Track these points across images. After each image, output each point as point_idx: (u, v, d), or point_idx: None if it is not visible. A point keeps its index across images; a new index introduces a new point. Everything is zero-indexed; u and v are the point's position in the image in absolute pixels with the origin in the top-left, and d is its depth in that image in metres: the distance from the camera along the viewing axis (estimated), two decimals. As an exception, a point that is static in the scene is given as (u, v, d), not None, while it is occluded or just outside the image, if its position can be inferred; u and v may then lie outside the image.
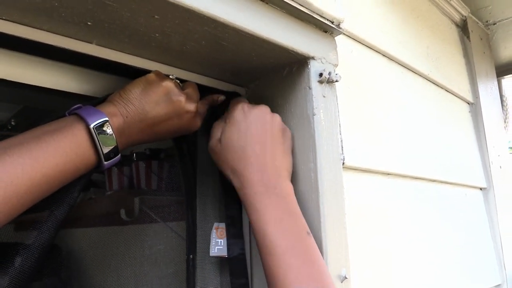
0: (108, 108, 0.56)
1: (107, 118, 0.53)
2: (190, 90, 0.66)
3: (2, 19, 0.53)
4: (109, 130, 0.54)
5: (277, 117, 0.67)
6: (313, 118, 0.67)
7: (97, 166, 0.54)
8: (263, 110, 0.66)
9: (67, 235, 1.34)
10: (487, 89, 1.35)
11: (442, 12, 1.26)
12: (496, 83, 1.46)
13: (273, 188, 0.60)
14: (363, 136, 0.81)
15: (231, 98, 0.81)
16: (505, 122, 1.57)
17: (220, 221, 0.80)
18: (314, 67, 0.69)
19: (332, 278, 0.62)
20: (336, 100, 0.71)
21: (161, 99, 0.60)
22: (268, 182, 0.60)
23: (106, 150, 0.53)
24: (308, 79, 0.68)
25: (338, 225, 0.66)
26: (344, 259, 0.65)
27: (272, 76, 0.76)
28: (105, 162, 0.54)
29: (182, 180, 0.93)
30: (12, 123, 1.62)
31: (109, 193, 1.98)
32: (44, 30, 0.57)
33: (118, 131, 0.55)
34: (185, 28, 0.57)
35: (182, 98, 0.62)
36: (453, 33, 1.30)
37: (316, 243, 0.63)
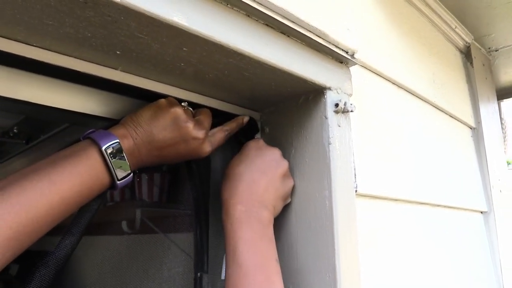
0: (119, 130, 0.59)
1: (118, 140, 0.56)
2: (201, 117, 0.68)
3: (34, 45, 0.55)
4: (120, 152, 0.56)
5: (285, 163, 0.71)
6: (328, 147, 0.69)
7: (111, 187, 0.57)
8: (275, 151, 0.72)
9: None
10: (489, 114, 1.38)
11: (447, 39, 1.30)
12: (497, 107, 1.49)
13: (255, 213, 0.64)
14: (374, 164, 0.83)
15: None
16: (504, 143, 1.60)
17: None
18: (330, 97, 0.71)
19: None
20: (350, 129, 0.73)
21: (168, 124, 0.62)
22: (252, 206, 0.64)
23: (119, 171, 0.56)
24: (325, 108, 0.71)
25: (351, 252, 0.67)
26: (356, 283, 0.67)
27: (287, 104, 0.78)
28: (118, 182, 0.56)
29: (192, 197, 0.94)
30: (15, 130, 1.64)
31: (110, 203, 1.99)
32: (72, 56, 0.59)
33: (128, 151, 0.58)
34: (211, 59, 0.59)
35: (189, 125, 0.63)
36: (457, 59, 1.34)
37: (330, 270, 0.65)
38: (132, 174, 0.59)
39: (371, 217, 0.80)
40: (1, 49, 0.52)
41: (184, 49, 0.56)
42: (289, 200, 0.73)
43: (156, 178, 1.82)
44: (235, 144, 0.85)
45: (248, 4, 0.57)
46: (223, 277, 0.78)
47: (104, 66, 0.62)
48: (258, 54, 0.59)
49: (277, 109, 0.81)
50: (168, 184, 1.60)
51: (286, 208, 0.73)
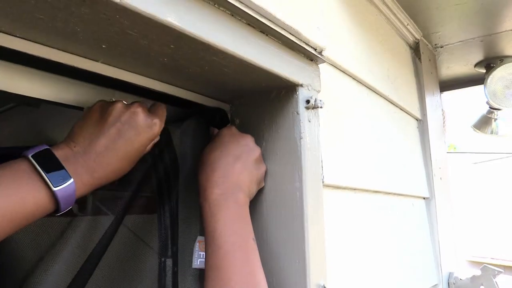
0: (57, 144, 0.56)
1: (47, 147, 0.53)
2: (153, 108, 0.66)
3: (18, 36, 0.54)
4: (51, 158, 0.52)
5: (258, 148, 0.75)
6: (300, 142, 0.73)
7: (55, 200, 0.51)
8: (248, 137, 0.75)
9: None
10: (433, 107, 1.49)
11: (399, 35, 1.38)
12: (440, 100, 1.61)
13: (232, 195, 0.67)
14: (337, 156, 0.88)
15: (215, 114, 0.86)
16: (444, 133, 1.73)
17: (201, 234, 0.84)
18: (302, 94, 0.75)
19: (312, 287, 0.69)
20: (319, 125, 0.78)
21: (97, 119, 0.59)
22: (227, 188, 0.67)
23: (55, 178, 0.51)
24: (297, 105, 0.74)
25: (319, 239, 0.73)
26: (323, 270, 0.72)
27: (258, 97, 0.81)
28: (56, 189, 0.50)
29: (155, 183, 0.96)
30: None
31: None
32: (54, 48, 0.58)
33: (63, 158, 0.53)
34: (195, 56, 0.61)
35: (115, 110, 0.60)
36: (407, 55, 1.43)
37: (300, 257, 0.70)
38: (73, 182, 0.52)
39: (333, 206, 0.86)
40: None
41: (171, 46, 0.57)
42: (262, 185, 0.76)
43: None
44: (206, 132, 0.87)
45: (233, 4, 0.59)
46: (194, 265, 0.80)
47: (85, 58, 0.62)
48: (241, 53, 0.61)
49: (247, 102, 0.83)
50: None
51: (257, 198, 0.77)
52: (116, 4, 0.45)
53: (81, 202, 1.36)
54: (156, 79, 0.73)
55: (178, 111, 0.84)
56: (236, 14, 0.61)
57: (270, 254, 0.74)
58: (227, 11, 0.60)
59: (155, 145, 0.79)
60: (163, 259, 0.94)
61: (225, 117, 0.85)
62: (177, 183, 0.92)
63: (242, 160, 0.71)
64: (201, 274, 0.84)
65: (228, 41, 0.59)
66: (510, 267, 6.97)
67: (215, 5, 0.58)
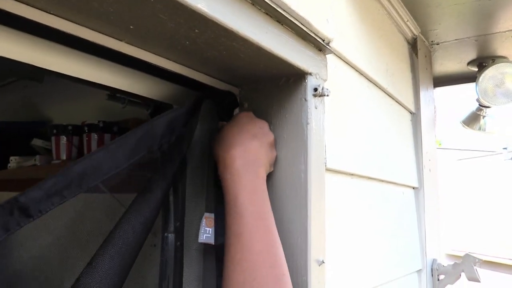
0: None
1: None
2: None
3: (52, 13, 0.57)
4: None
5: (272, 134, 0.79)
6: (306, 127, 0.78)
7: None
8: (264, 122, 0.80)
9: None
10: (426, 101, 1.55)
11: (399, 31, 1.42)
12: (433, 95, 1.67)
13: (252, 166, 0.72)
14: (337, 142, 0.93)
15: (225, 97, 0.90)
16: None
17: (208, 211, 0.89)
18: (310, 82, 0.80)
19: (312, 262, 0.74)
20: (324, 112, 0.83)
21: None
22: (249, 160, 0.72)
23: None
24: (305, 92, 0.79)
25: (319, 219, 0.78)
26: (322, 246, 0.78)
27: (267, 83, 0.85)
28: None
29: (159, 161, 1.00)
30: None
31: (55, 161, 1.96)
32: (82, 25, 0.61)
33: None
34: (216, 41, 0.65)
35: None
36: (405, 50, 1.48)
37: (302, 234, 0.75)
38: None
39: (332, 189, 0.91)
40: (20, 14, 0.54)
41: (196, 30, 0.61)
42: (272, 169, 0.80)
43: (106, 138, 1.82)
44: (214, 117, 0.91)
45: (254, -7, 0.63)
46: (200, 240, 0.84)
47: (110, 36, 0.65)
48: (258, 39, 0.66)
49: (256, 87, 0.87)
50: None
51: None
52: (153, -11, 0.49)
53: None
54: (173, 61, 0.77)
55: (188, 94, 0.88)
56: (256, 3, 0.65)
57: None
58: (248, 0, 0.64)
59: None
60: (166, 234, 0.99)
61: (234, 101, 0.89)
62: (185, 164, 0.96)
63: (258, 139, 0.75)
64: (205, 249, 0.89)
65: (247, 29, 0.63)
66: (488, 261, 7.19)
67: (238, -6, 0.62)
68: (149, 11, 0.55)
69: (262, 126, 0.78)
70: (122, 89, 0.80)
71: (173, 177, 0.96)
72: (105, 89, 0.89)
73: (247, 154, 0.72)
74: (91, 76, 0.73)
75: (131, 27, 0.61)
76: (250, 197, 0.68)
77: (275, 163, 0.81)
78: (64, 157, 1.90)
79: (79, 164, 0.63)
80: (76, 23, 0.61)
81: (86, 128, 1.79)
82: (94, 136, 1.78)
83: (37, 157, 1.94)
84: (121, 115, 1.63)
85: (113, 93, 1.15)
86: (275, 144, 0.81)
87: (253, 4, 0.65)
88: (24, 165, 2.00)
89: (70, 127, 1.88)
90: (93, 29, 0.63)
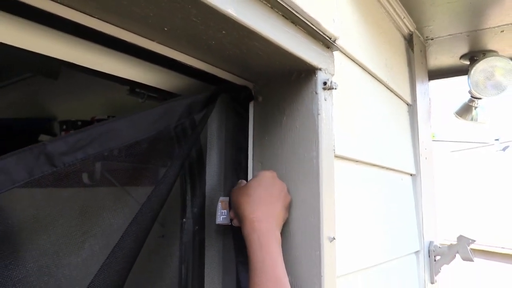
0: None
1: None
2: None
3: (97, 18, 0.65)
4: None
5: (290, 197, 0.87)
6: (317, 117, 0.86)
7: None
8: (285, 185, 0.87)
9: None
10: (422, 94, 1.63)
11: (396, 27, 1.51)
12: (428, 88, 1.76)
13: (273, 231, 0.80)
14: (344, 131, 1.02)
15: (241, 91, 0.97)
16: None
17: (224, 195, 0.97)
18: (320, 76, 0.88)
19: (324, 239, 0.83)
20: (332, 103, 0.91)
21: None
22: (271, 224, 0.80)
23: None
24: (316, 85, 0.87)
25: (330, 199, 0.86)
26: (333, 225, 0.86)
27: (280, 78, 0.93)
28: None
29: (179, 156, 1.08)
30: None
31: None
32: (121, 28, 0.69)
33: None
34: (239, 41, 0.73)
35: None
36: (402, 45, 1.56)
37: (315, 214, 0.83)
38: None
39: (339, 173, 0.99)
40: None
41: (223, 32, 0.69)
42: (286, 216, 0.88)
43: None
44: (230, 108, 0.99)
45: (273, -2, 0.71)
46: (217, 221, 0.93)
47: (143, 37, 0.73)
48: (277, 39, 0.74)
49: (270, 82, 0.95)
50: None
51: (276, 166, 0.89)
52: (192, -4, 0.57)
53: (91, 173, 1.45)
54: (195, 57, 0.84)
55: (206, 88, 0.95)
56: (275, 6, 0.73)
57: (290, 212, 0.87)
58: (268, 4, 0.72)
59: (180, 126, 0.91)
60: (184, 219, 1.07)
61: (249, 95, 0.97)
62: (201, 154, 1.04)
63: (280, 202, 0.83)
64: (224, 229, 0.97)
65: (268, 29, 0.71)
66: (480, 250, 7.34)
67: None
68: (184, 15, 0.63)
69: (282, 189, 0.86)
70: (148, 84, 0.88)
71: (184, 167, 1.05)
72: (129, 84, 0.96)
73: (270, 218, 0.80)
74: (123, 72, 0.80)
75: (165, 29, 0.68)
76: (275, 260, 0.77)
77: (287, 147, 0.89)
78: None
79: (102, 126, 0.70)
80: (115, 25, 0.68)
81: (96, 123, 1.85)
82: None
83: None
84: (133, 109, 1.70)
85: (133, 88, 1.22)
86: (282, 136, 0.90)
87: (272, 8, 0.73)
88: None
89: (79, 123, 1.94)
90: (129, 30, 0.70)
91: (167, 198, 1.21)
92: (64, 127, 1.92)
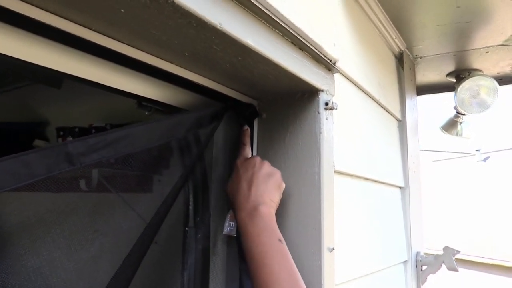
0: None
1: None
2: None
3: (125, 43, 0.70)
4: None
5: (264, 164, 0.91)
6: (319, 136, 0.92)
7: None
8: (254, 159, 0.92)
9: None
10: (410, 109, 1.72)
11: (388, 47, 1.59)
12: (416, 104, 1.84)
13: (253, 211, 0.84)
14: (342, 147, 1.08)
15: (246, 108, 1.03)
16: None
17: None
18: (322, 97, 0.94)
19: (325, 250, 0.89)
20: (333, 122, 0.97)
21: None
22: (249, 208, 0.84)
23: None
24: (318, 105, 0.94)
25: (330, 212, 0.93)
26: (332, 236, 0.92)
27: (284, 97, 0.99)
28: None
29: (183, 164, 1.13)
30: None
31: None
32: (142, 50, 0.74)
33: None
34: (252, 66, 0.79)
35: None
36: (393, 64, 1.64)
37: (316, 226, 0.89)
38: None
39: (337, 187, 1.06)
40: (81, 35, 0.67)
41: (239, 58, 0.75)
42: (283, 186, 0.92)
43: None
44: (237, 128, 1.05)
45: (284, 27, 0.77)
46: (224, 232, 0.98)
47: (161, 59, 0.78)
48: (286, 64, 0.80)
49: (274, 100, 1.02)
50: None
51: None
52: (217, 29, 0.62)
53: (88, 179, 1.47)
54: (207, 77, 0.90)
55: (211, 107, 1.00)
56: (285, 35, 0.80)
57: (292, 224, 0.93)
58: (279, 33, 0.78)
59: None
60: (186, 228, 1.12)
61: (254, 112, 1.03)
62: (204, 165, 1.10)
63: (254, 181, 0.88)
64: (229, 240, 1.02)
65: (279, 56, 0.78)
66: (461, 260, 7.50)
67: (273, 29, 0.76)
68: (207, 44, 0.69)
69: (253, 165, 0.90)
70: (157, 99, 0.93)
71: (188, 178, 1.10)
72: (138, 98, 1.01)
73: (247, 203, 0.85)
74: (136, 89, 0.86)
75: (186, 54, 0.74)
76: (255, 240, 0.80)
77: (290, 163, 0.95)
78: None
79: (120, 131, 0.75)
80: (139, 49, 0.73)
81: (93, 131, 1.89)
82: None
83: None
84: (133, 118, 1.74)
85: (141, 102, 1.27)
86: (285, 153, 0.96)
87: (283, 36, 0.79)
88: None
89: (76, 129, 1.97)
90: (150, 53, 0.76)
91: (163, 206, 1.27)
92: (61, 133, 1.95)
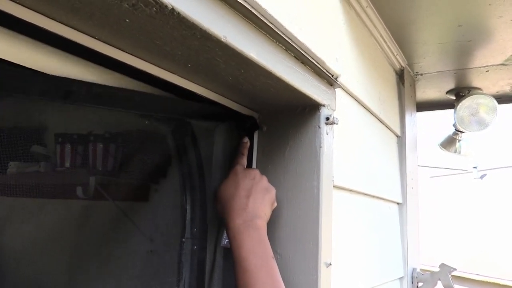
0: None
1: None
2: None
3: (127, 52, 0.70)
4: None
5: (263, 178, 0.91)
6: (319, 150, 0.92)
7: None
8: (255, 171, 0.92)
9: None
10: (410, 125, 1.72)
11: (389, 63, 1.60)
12: (416, 120, 1.85)
13: (250, 222, 0.83)
14: (341, 162, 1.08)
15: (247, 120, 1.03)
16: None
17: None
18: (323, 112, 0.94)
19: (322, 264, 0.88)
20: (333, 137, 0.97)
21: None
22: (246, 217, 0.83)
23: None
24: (319, 120, 0.94)
25: (328, 227, 0.92)
26: (329, 251, 0.92)
27: (285, 110, 0.99)
28: None
29: (180, 173, 1.13)
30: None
31: (60, 169, 2.04)
32: (146, 61, 0.75)
33: None
34: (254, 79, 0.79)
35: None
36: (393, 80, 1.65)
37: (314, 240, 0.89)
38: None
39: (336, 202, 1.05)
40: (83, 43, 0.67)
41: (242, 70, 0.75)
42: (275, 205, 0.92)
43: (111, 148, 1.93)
44: (236, 135, 1.05)
45: (287, 41, 0.78)
46: (222, 244, 0.98)
47: (165, 70, 0.79)
48: (289, 78, 0.80)
49: (275, 113, 1.01)
50: (122, 154, 1.71)
51: (281, 193, 0.95)
52: (221, 42, 0.63)
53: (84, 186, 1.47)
54: (208, 88, 0.90)
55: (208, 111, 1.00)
56: (288, 49, 0.80)
57: (290, 238, 0.93)
58: (283, 47, 0.79)
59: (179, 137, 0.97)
60: (183, 239, 1.11)
61: (255, 124, 1.03)
62: (203, 177, 1.10)
63: (253, 192, 0.87)
64: (226, 252, 1.02)
65: (282, 70, 0.78)
66: (457, 277, 7.46)
67: (277, 43, 0.76)
68: (210, 56, 0.69)
69: (253, 177, 0.90)
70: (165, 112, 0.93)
71: (185, 189, 1.10)
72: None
73: (244, 212, 0.84)
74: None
75: (189, 65, 0.74)
76: (251, 251, 0.79)
77: (290, 177, 0.95)
78: (68, 165, 1.99)
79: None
80: (140, 58, 0.74)
81: (92, 138, 1.89)
82: (100, 146, 1.88)
83: (42, 163, 2.02)
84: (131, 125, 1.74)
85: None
86: (284, 166, 0.95)
87: (286, 50, 0.80)
88: (27, 170, 2.07)
89: (75, 136, 1.97)
90: (153, 64, 0.76)
91: (160, 215, 1.26)
92: (60, 139, 1.95)
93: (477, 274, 7.93)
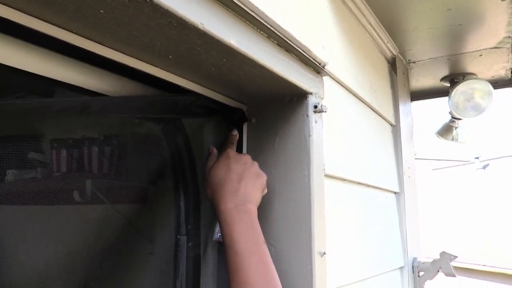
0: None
1: None
2: None
3: (106, 46, 0.70)
4: None
5: (255, 164, 0.91)
6: (309, 139, 0.91)
7: None
8: (246, 156, 0.91)
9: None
10: (404, 114, 1.71)
11: (380, 51, 1.59)
12: (410, 109, 1.84)
13: (242, 206, 0.82)
14: (333, 151, 1.07)
15: (235, 113, 1.02)
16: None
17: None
18: (311, 100, 0.93)
19: (315, 254, 0.87)
20: (322, 125, 0.97)
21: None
22: (238, 201, 0.82)
23: None
24: (307, 109, 0.93)
25: (320, 216, 0.91)
26: (323, 240, 0.91)
27: (272, 101, 0.99)
28: None
29: (171, 172, 1.12)
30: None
31: (56, 174, 2.04)
32: (126, 54, 0.74)
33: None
34: (238, 68, 0.78)
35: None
36: (385, 68, 1.64)
37: (307, 230, 0.88)
38: None
39: (328, 191, 1.05)
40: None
41: (224, 60, 0.74)
42: (266, 191, 0.91)
43: (106, 151, 1.93)
44: (225, 129, 1.04)
45: (269, 28, 0.77)
46: (214, 238, 0.97)
47: (146, 63, 0.78)
48: (273, 66, 0.79)
49: (263, 104, 1.01)
50: (118, 157, 1.70)
51: (271, 184, 0.94)
52: (199, 29, 0.62)
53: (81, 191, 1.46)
54: (194, 82, 0.89)
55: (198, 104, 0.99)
56: (271, 36, 0.79)
57: (282, 228, 0.92)
58: (264, 34, 0.78)
59: (170, 135, 0.96)
60: (178, 236, 1.11)
61: (243, 116, 1.02)
62: (195, 173, 1.09)
63: (244, 176, 0.86)
64: (219, 246, 1.01)
65: (265, 57, 0.77)
66: (461, 268, 7.44)
67: (258, 30, 0.76)
68: (189, 45, 0.68)
69: (245, 161, 0.89)
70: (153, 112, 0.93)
71: (177, 186, 1.09)
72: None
73: (236, 196, 0.82)
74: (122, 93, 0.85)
75: (170, 57, 0.73)
76: (243, 235, 0.78)
77: (280, 168, 0.94)
78: (64, 170, 1.98)
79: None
80: (122, 52, 0.73)
81: (86, 142, 1.88)
82: (95, 150, 1.87)
83: (39, 169, 2.02)
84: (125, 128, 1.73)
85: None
86: (275, 156, 0.94)
87: (268, 37, 0.79)
88: (24, 177, 2.07)
89: (70, 141, 1.96)
90: (134, 57, 0.75)
91: (157, 216, 1.25)
92: (55, 145, 1.95)
93: (482, 265, 7.90)
